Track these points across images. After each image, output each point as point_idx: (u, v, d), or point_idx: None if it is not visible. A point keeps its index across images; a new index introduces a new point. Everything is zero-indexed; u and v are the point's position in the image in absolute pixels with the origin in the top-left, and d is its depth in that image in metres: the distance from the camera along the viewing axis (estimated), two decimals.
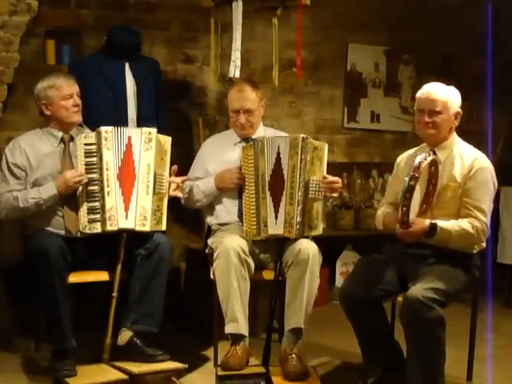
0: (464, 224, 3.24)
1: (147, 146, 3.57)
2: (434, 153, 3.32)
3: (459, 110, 3.37)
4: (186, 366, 3.47)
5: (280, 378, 3.38)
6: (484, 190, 3.29)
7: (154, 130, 3.61)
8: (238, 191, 3.73)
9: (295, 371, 3.37)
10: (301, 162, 3.56)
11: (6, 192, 3.51)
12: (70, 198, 3.53)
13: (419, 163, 3.09)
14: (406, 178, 3.07)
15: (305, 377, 3.38)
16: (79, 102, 3.63)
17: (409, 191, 3.06)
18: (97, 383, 3.29)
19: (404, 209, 3.10)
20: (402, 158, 3.59)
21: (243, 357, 3.42)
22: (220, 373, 3.36)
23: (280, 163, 3.61)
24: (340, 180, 3.64)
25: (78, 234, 3.54)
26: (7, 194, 3.50)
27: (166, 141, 3.64)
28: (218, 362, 3.52)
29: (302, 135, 3.62)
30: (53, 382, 3.38)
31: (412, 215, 3.16)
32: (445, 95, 3.34)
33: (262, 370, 3.40)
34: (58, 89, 3.58)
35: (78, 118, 3.65)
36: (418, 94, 3.40)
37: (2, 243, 4.03)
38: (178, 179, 3.66)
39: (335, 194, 3.63)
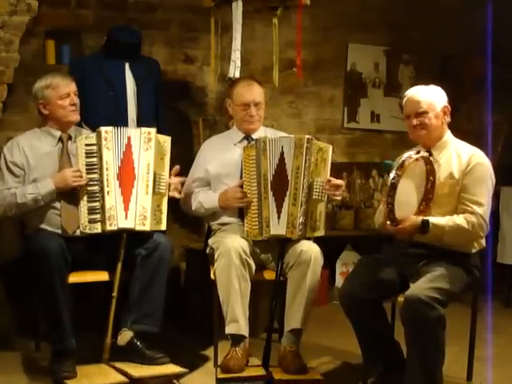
0: (458, 219, 3.22)
1: (147, 145, 3.57)
2: (428, 151, 3.32)
3: (446, 104, 3.37)
4: (186, 370, 3.46)
5: (280, 374, 3.38)
6: (482, 185, 3.27)
7: (153, 130, 3.61)
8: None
9: (294, 366, 3.38)
10: (305, 163, 3.55)
11: (3, 189, 3.51)
12: (68, 197, 3.53)
13: (403, 162, 3.13)
14: (390, 176, 3.10)
15: (304, 371, 3.39)
16: (77, 100, 3.62)
17: (392, 189, 3.10)
18: None
19: (389, 206, 3.14)
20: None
21: (243, 358, 3.42)
22: (220, 375, 3.36)
23: (284, 163, 3.60)
24: (344, 183, 3.65)
25: (78, 233, 3.53)
26: (5, 191, 3.50)
27: (166, 140, 3.64)
28: (218, 362, 3.51)
29: (307, 136, 3.61)
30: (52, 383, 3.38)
31: (410, 214, 3.19)
32: (427, 94, 3.35)
33: (262, 371, 3.40)
34: (54, 88, 3.58)
35: (76, 116, 3.65)
36: (403, 101, 3.41)
37: (0, 241, 4.04)
38: (176, 180, 3.66)
39: (338, 198, 3.63)
